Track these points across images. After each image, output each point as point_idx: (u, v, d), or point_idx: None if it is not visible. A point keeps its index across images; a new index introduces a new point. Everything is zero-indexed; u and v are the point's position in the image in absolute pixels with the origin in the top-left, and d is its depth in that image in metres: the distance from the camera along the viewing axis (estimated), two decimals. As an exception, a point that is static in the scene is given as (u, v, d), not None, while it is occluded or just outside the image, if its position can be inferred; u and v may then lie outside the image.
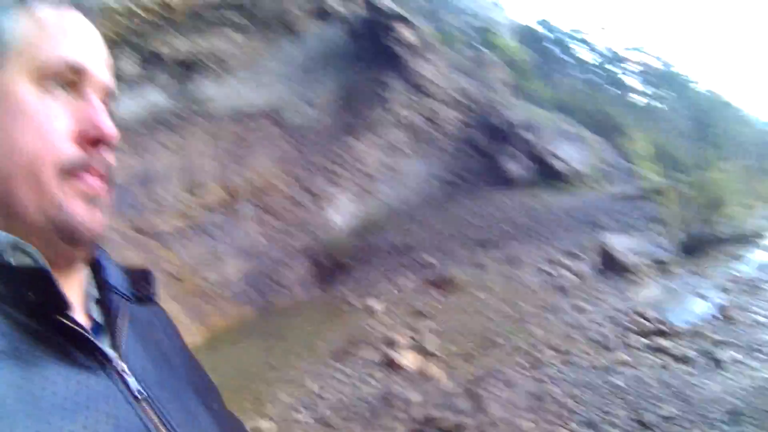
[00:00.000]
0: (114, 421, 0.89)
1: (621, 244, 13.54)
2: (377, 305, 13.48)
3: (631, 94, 53.78)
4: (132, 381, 0.98)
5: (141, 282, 1.22)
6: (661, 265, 12.55)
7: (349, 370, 9.86)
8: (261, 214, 19.25)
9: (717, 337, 8.30)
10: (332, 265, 18.99)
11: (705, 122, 53.84)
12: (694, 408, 6.21)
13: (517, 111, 26.38)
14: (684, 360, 7.77)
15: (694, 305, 10.18)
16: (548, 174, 23.69)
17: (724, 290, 10.40)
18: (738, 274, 11.13)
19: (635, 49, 57.20)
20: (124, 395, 0.95)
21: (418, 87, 24.67)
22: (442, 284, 14.11)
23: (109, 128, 0.99)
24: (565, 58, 55.06)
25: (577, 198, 21.10)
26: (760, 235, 13.13)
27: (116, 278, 1.14)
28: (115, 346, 1.02)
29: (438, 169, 24.42)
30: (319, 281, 18.73)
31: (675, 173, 16.23)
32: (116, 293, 1.11)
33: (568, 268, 13.76)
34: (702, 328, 8.83)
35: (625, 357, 8.24)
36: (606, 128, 30.14)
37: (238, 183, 19.04)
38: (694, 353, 7.90)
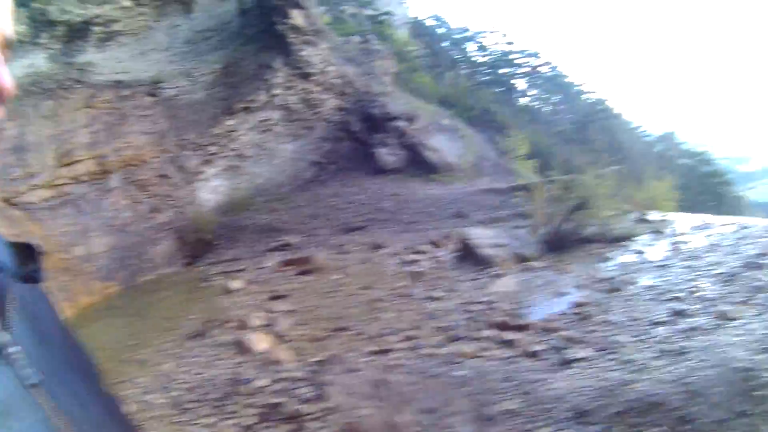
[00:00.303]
0: (6, 409, 0.83)
1: (482, 236, 13.26)
2: (237, 285, 13.11)
3: (516, 95, 54.80)
4: (25, 366, 0.90)
5: (25, 258, 1.09)
6: (521, 260, 12.27)
7: (202, 351, 9.46)
8: (130, 189, 18.40)
9: (569, 334, 7.97)
10: (198, 242, 18.65)
11: (587, 127, 55.48)
12: (537, 404, 5.85)
13: (397, 101, 26.53)
14: (532, 355, 7.42)
15: (549, 301, 9.85)
16: (421, 164, 23.90)
17: (583, 288, 10.13)
18: (599, 274, 10.88)
19: (525, 52, 58.20)
20: (17, 381, 0.88)
21: (300, 70, 24.26)
22: (303, 266, 13.80)
23: (6, 81, 0.97)
24: (456, 55, 55.52)
25: (446, 189, 21.25)
26: (625, 238, 12.97)
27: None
28: (5, 328, 0.92)
29: (311, 152, 24.43)
30: (184, 258, 18.40)
31: (550, 172, 16.13)
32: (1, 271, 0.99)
33: (428, 257, 13.56)
34: (554, 324, 8.49)
35: (473, 348, 7.84)
36: (487, 125, 30.54)
37: (109, 155, 18.08)
38: (544, 349, 7.57)
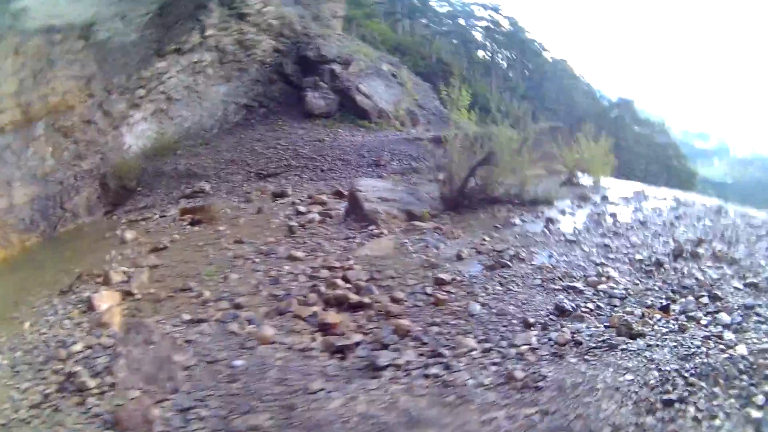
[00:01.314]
0: None
1: (374, 189, 11.52)
2: (130, 235, 11.88)
3: (473, 48, 53.39)
4: None
5: None
6: (411, 218, 10.45)
7: (60, 308, 8.42)
8: (55, 136, 16.69)
9: (405, 323, 6.20)
10: (120, 190, 17.33)
11: (542, 85, 54.82)
12: (299, 424, 4.78)
13: (336, 45, 24.78)
14: (338, 351, 5.94)
15: (413, 274, 7.89)
16: (352, 110, 22.48)
17: (463, 260, 8.24)
18: (490, 244, 8.93)
19: (486, 5, 56.77)
20: None
21: (236, 10, 22.37)
22: (198, 215, 12.52)
23: None
24: (416, 3, 53.79)
25: (373, 137, 19.85)
26: (544, 202, 11.12)
27: None
28: None
29: (242, 95, 22.93)
30: (105, 207, 17.00)
31: (490, 126, 14.49)
32: None
33: (323, 209, 11.99)
34: (398, 306, 6.73)
35: (276, 331, 6.43)
36: (438, 75, 29.17)
37: (35, 102, 16.27)
38: (358, 342, 6.09)
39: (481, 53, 55.22)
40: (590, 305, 6.38)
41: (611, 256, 8.13)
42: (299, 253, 9.05)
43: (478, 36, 56.52)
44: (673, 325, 5.64)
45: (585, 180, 13.52)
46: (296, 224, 10.89)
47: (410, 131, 21.27)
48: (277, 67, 23.71)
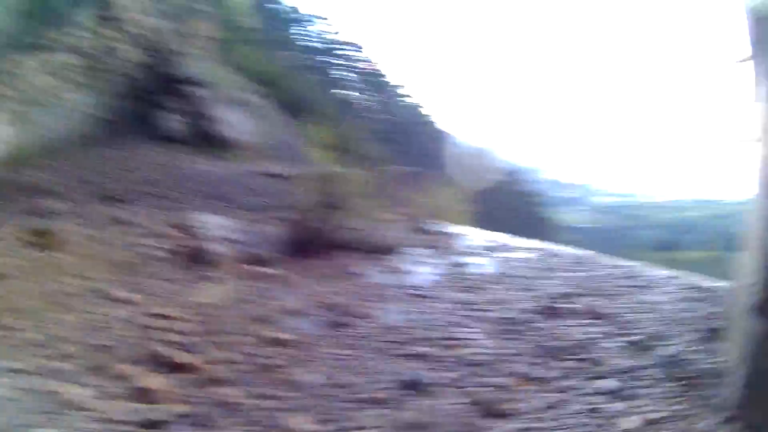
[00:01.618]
0: None
1: (215, 227, 10.94)
2: None
3: (335, 86, 53.42)
4: None
5: None
6: (253, 262, 9.78)
7: None
8: None
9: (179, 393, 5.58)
10: None
11: (399, 129, 55.23)
12: None
13: (204, 68, 24.20)
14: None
15: (240, 327, 7.00)
16: (210, 138, 22.00)
17: (297, 315, 7.48)
18: (329, 296, 8.22)
19: (350, 44, 57.08)
20: None
21: (110, 15, 21.37)
22: (36, 238, 11.07)
23: None
24: (289, 34, 53.46)
25: (228, 168, 19.23)
26: (391, 250, 10.70)
27: None
28: None
29: (103, 107, 21.40)
30: None
31: (351, 168, 14.21)
32: None
33: (163, 245, 10.90)
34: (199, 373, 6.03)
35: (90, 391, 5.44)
36: (300, 110, 28.83)
37: None
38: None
39: (346, 92, 55.39)
40: (448, 375, 5.74)
41: (472, 314, 7.62)
42: (134, 296, 8.09)
43: (346, 74, 56.81)
44: (549, 397, 5.25)
45: (440, 228, 13.18)
46: (137, 260, 9.99)
47: (266, 166, 20.23)
48: (142, 83, 22.59)
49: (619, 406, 5.07)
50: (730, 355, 6.00)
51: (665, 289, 9.34)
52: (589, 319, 7.48)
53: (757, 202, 6.95)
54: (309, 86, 40.22)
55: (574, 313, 7.64)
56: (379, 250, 10.64)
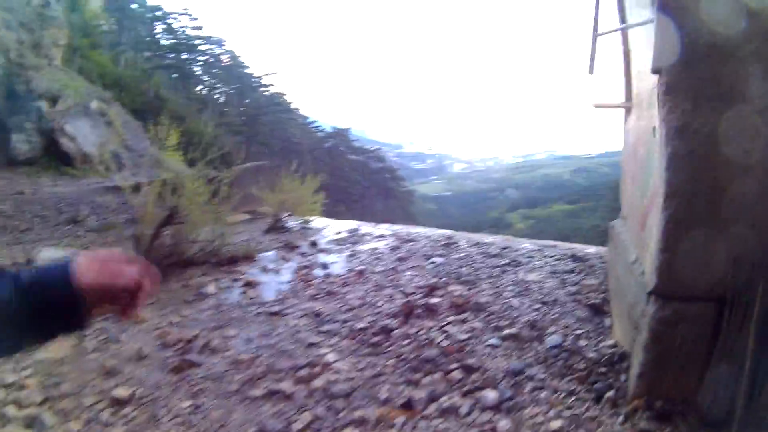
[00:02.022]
0: None
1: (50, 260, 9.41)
2: None
3: (194, 83, 51.59)
4: None
5: None
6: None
7: None
8: None
9: None
10: None
11: (258, 120, 54.09)
12: None
13: (49, 79, 22.06)
14: None
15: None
16: (56, 155, 20.22)
17: (150, 354, 6.12)
18: (181, 324, 6.95)
19: (210, 38, 55.31)
20: None
21: None
22: None
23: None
24: (144, 35, 51.16)
25: (75, 186, 17.49)
26: (243, 259, 9.28)
27: None
28: None
29: None
30: None
31: (205, 168, 12.82)
32: None
33: None
34: None
35: None
36: (151, 113, 27.29)
37: None
38: None
39: (201, 89, 53.71)
40: (303, 417, 4.72)
41: (325, 328, 6.52)
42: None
43: (199, 70, 55.00)
44: (426, 427, 4.39)
45: (293, 223, 12.09)
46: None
47: (113, 178, 18.15)
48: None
49: (504, 424, 4.37)
50: (622, 339, 5.43)
51: (535, 264, 8.76)
52: (456, 314, 6.70)
53: (630, 166, 6.41)
54: (168, 86, 38.69)
55: (438, 311, 6.82)
56: (232, 261, 9.30)
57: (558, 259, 8.95)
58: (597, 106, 7.29)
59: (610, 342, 5.71)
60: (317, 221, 12.58)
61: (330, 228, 12.06)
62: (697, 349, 4.17)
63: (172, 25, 53.62)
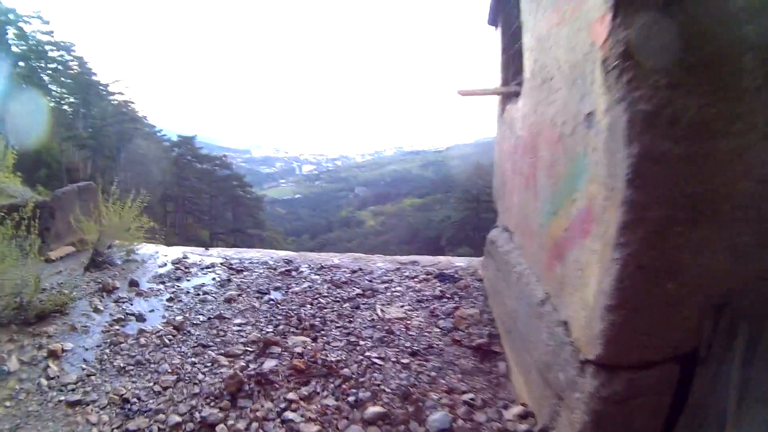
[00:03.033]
0: None
1: None
2: None
3: (41, 95, 46.82)
4: None
5: None
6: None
7: None
8: None
9: None
10: None
11: (103, 131, 50.53)
12: None
13: None
14: None
15: None
16: None
17: None
18: None
19: (61, 44, 50.59)
20: None
21: None
22: None
23: None
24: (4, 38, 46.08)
25: None
26: (47, 314, 6.55)
27: None
28: None
29: None
30: None
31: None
32: None
33: None
34: None
35: None
36: None
37: None
38: None
39: (49, 98, 49.07)
40: None
41: (132, 427, 4.32)
42: None
43: (47, 79, 50.21)
44: None
45: (118, 254, 8.99)
46: None
47: None
48: None
49: None
50: (533, 403, 4.00)
51: (395, 291, 6.89)
52: (299, 385, 4.69)
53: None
54: (12, 97, 34.99)
55: (275, 383, 4.72)
56: (41, 317, 6.57)
57: (422, 281, 7.13)
58: (463, 94, 5.72)
59: (516, 410, 4.00)
60: (145, 248, 9.77)
61: (155, 258, 9.11)
62: (654, 425, 2.93)
63: (24, 29, 48.36)
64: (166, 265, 8.74)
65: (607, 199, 2.60)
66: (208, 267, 8.51)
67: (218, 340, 5.81)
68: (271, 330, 5.93)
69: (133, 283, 7.78)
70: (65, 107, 51.89)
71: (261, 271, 8.13)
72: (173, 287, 7.63)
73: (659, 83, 2.29)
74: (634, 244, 2.46)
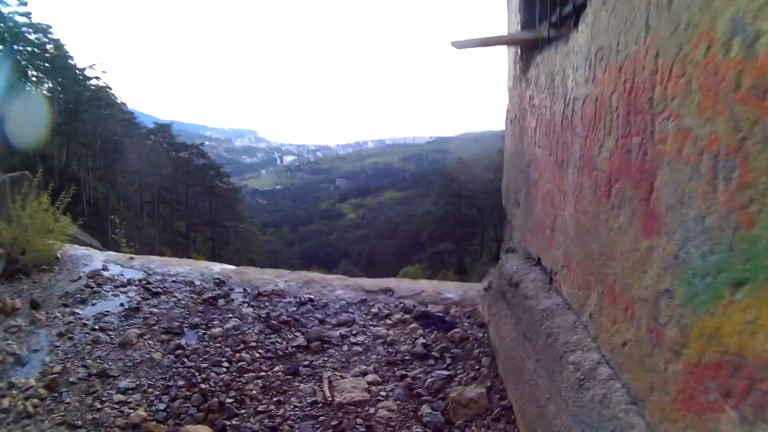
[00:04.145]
0: None
1: None
2: None
3: (17, 79, 44.23)
4: None
5: None
6: None
7: None
8: None
9: None
10: None
11: (78, 117, 48.10)
12: None
13: None
14: None
15: None
16: None
17: None
18: None
19: (37, 25, 47.78)
20: None
21: None
22: None
23: None
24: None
25: None
26: None
27: None
28: None
29: None
30: None
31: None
32: None
33: None
34: None
35: None
36: None
37: None
38: None
39: (26, 83, 46.45)
40: None
41: None
42: None
43: (24, 62, 47.46)
44: None
45: (32, 260, 6.81)
46: None
47: None
48: None
49: None
50: None
51: (355, 345, 4.54)
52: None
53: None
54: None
55: None
56: None
57: (397, 324, 4.87)
58: (457, 47, 3.67)
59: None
60: (73, 252, 7.56)
61: (77, 267, 7.00)
62: None
63: (1, 10, 45.68)
64: (80, 278, 6.37)
65: None
66: (123, 285, 6.11)
67: (89, 417, 3.78)
68: (162, 407, 3.82)
69: (34, 305, 5.54)
70: (41, 92, 49.35)
71: (181, 296, 5.75)
72: (71, 314, 5.44)
73: None
74: None
